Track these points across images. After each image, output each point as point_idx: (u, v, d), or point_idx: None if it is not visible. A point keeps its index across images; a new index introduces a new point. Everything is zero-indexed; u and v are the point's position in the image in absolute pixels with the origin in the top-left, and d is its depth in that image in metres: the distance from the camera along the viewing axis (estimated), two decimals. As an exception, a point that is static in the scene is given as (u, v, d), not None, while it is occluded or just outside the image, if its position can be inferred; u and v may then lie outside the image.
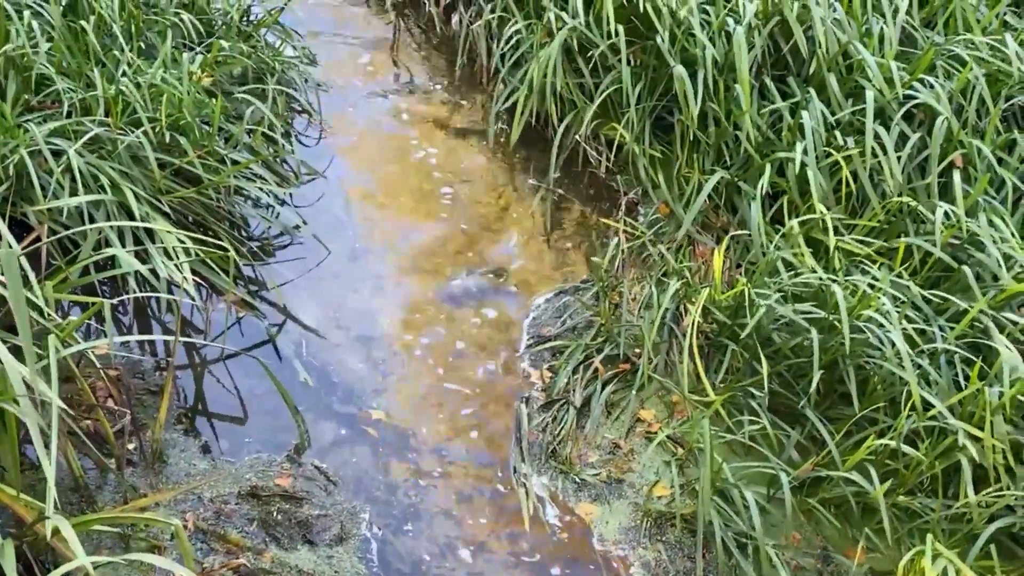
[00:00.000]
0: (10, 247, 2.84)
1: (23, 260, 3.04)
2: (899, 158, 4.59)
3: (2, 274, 2.96)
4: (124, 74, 4.62)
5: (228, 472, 3.76)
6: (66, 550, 2.81)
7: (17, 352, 2.93)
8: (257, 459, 3.84)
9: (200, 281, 4.35)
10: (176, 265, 4.15)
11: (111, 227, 4.10)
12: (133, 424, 3.65)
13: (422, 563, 3.63)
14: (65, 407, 2.95)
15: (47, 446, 2.73)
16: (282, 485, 3.73)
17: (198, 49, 5.18)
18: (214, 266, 4.36)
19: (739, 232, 4.74)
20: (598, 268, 4.83)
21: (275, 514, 3.63)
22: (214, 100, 4.79)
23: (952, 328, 4.05)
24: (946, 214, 4.38)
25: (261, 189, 4.91)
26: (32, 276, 3.25)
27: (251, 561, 3.44)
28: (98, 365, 3.65)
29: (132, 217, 4.19)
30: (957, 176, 4.47)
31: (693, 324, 4.14)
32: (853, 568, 3.72)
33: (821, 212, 4.41)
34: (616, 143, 5.47)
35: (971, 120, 4.81)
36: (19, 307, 2.70)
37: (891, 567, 3.71)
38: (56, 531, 2.69)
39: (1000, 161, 4.74)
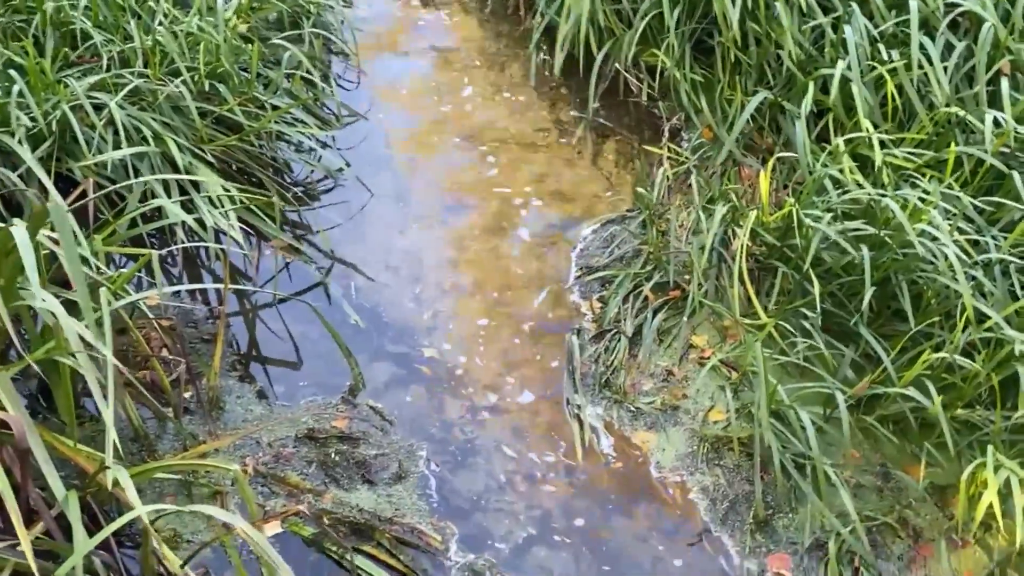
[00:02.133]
0: (57, 204, 2.85)
1: (71, 216, 3.05)
2: (945, 68, 4.51)
3: (53, 230, 2.98)
4: (160, 24, 4.62)
5: (284, 416, 3.79)
6: (129, 499, 2.85)
7: (70, 307, 2.96)
8: (312, 402, 3.86)
9: (247, 228, 4.37)
10: (222, 213, 4.17)
11: (156, 179, 4.12)
12: (188, 372, 3.67)
13: (481, 498, 3.64)
14: (119, 360, 2.97)
15: (105, 398, 2.76)
16: (338, 427, 3.76)
17: (232, -4, 5.17)
18: (260, 213, 4.37)
19: (785, 154, 4.68)
20: (644, 196, 4.80)
21: (333, 455, 3.65)
22: (251, 46, 4.78)
23: (1006, 238, 3.99)
24: (995, 122, 4.30)
25: (302, 133, 4.91)
26: (80, 231, 3.27)
27: (312, 502, 3.47)
28: (151, 316, 3.68)
29: (176, 167, 4.20)
30: (1005, 83, 4.39)
31: (742, 247, 4.10)
32: (914, 484, 3.70)
33: (867, 128, 4.35)
34: (657, 69, 5.41)
35: (1018, 25, 4.71)
36: (73, 262, 2.71)
37: (952, 481, 3.69)
38: (117, 481, 2.72)
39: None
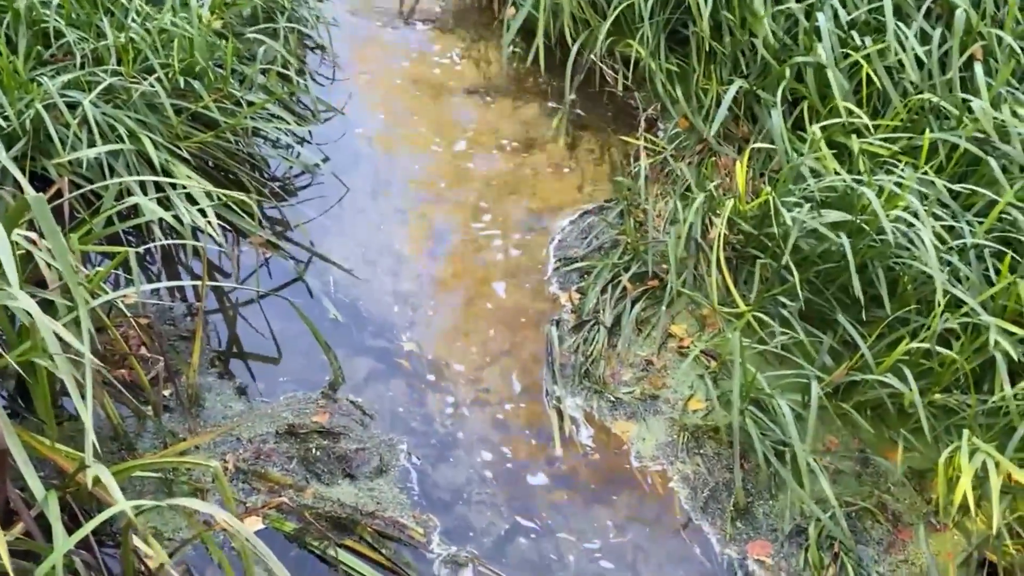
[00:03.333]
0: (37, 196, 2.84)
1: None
2: (919, 55, 4.52)
3: (29, 229, 2.98)
4: (133, 21, 4.60)
5: (265, 412, 3.79)
6: (109, 498, 2.84)
7: (46, 306, 2.95)
8: (293, 398, 3.86)
9: (224, 225, 4.36)
10: (200, 210, 4.16)
11: (134, 180, 4.11)
12: (167, 370, 3.67)
13: (463, 490, 3.65)
14: (96, 359, 2.97)
15: (83, 397, 2.75)
16: (319, 422, 3.76)
17: (206, -8, 5.15)
18: (237, 209, 4.36)
19: (761, 145, 4.69)
20: (621, 187, 4.81)
21: (314, 450, 3.65)
22: (225, 42, 4.77)
23: (980, 223, 4.01)
24: (969, 107, 4.32)
25: (279, 129, 4.90)
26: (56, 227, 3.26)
27: (293, 498, 3.47)
28: (128, 314, 3.67)
29: (152, 165, 4.19)
30: (979, 68, 4.41)
31: (719, 236, 4.12)
32: (892, 468, 3.72)
33: (845, 110, 4.36)
34: (632, 60, 5.42)
35: (989, 11, 4.73)
36: (61, 254, 2.71)
37: (929, 465, 3.72)
38: (97, 480, 2.71)
39: (1022, 50, 4.67)
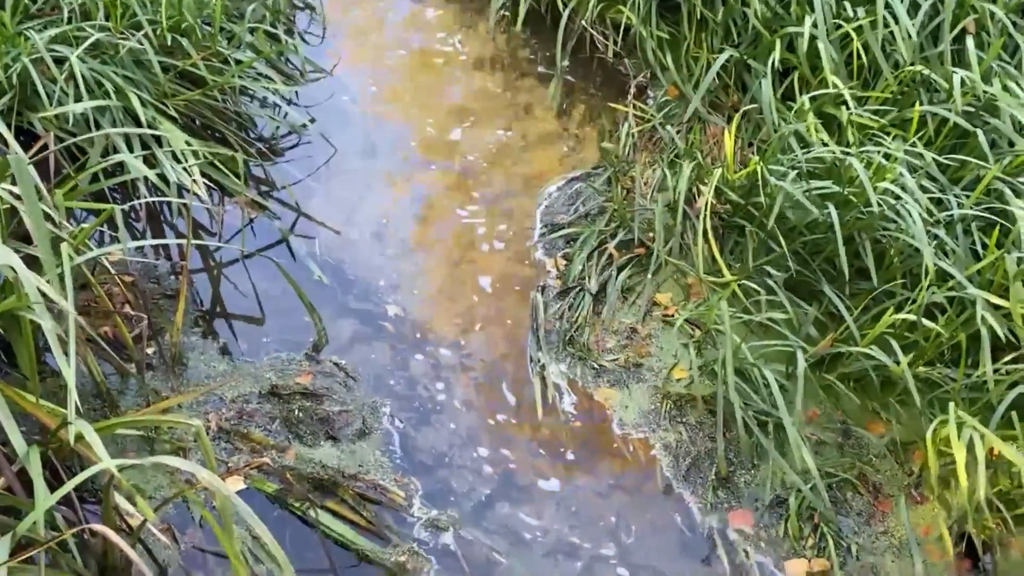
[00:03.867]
0: (18, 156, 2.82)
1: (32, 169, 3.02)
2: (910, 28, 4.50)
3: (14, 183, 2.95)
4: (122, -24, 4.56)
5: (248, 372, 3.78)
6: (91, 455, 2.83)
7: (31, 262, 2.93)
8: (276, 359, 3.85)
9: (210, 184, 4.34)
10: (185, 168, 4.13)
11: (118, 133, 4.08)
12: (151, 328, 3.66)
13: (444, 454, 3.65)
14: (80, 316, 2.95)
15: (66, 353, 2.74)
16: (302, 383, 3.75)
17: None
18: (223, 168, 4.34)
19: (750, 108, 4.68)
20: (609, 153, 4.79)
21: (296, 412, 3.65)
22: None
23: (968, 196, 4.01)
24: (961, 80, 4.31)
25: (267, 88, 4.87)
26: (41, 184, 3.24)
27: (275, 459, 3.46)
28: (113, 271, 3.65)
29: (138, 122, 4.16)
30: (970, 42, 4.40)
31: (706, 205, 4.11)
32: (874, 440, 3.73)
33: (834, 85, 4.35)
34: (623, 26, 5.39)
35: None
36: (35, 215, 2.69)
37: (912, 438, 3.73)
38: (80, 437, 2.70)
39: (1014, 24, 4.66)
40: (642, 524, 3.53)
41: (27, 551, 2.60)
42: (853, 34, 4.49)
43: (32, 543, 2.69)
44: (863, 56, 4.53)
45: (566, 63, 5.52)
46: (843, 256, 3.81)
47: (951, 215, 3.93)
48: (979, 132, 4.10)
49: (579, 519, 3.51)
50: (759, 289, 4.00)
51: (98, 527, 2.57)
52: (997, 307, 3.62)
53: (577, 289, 4.25)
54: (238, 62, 4.71)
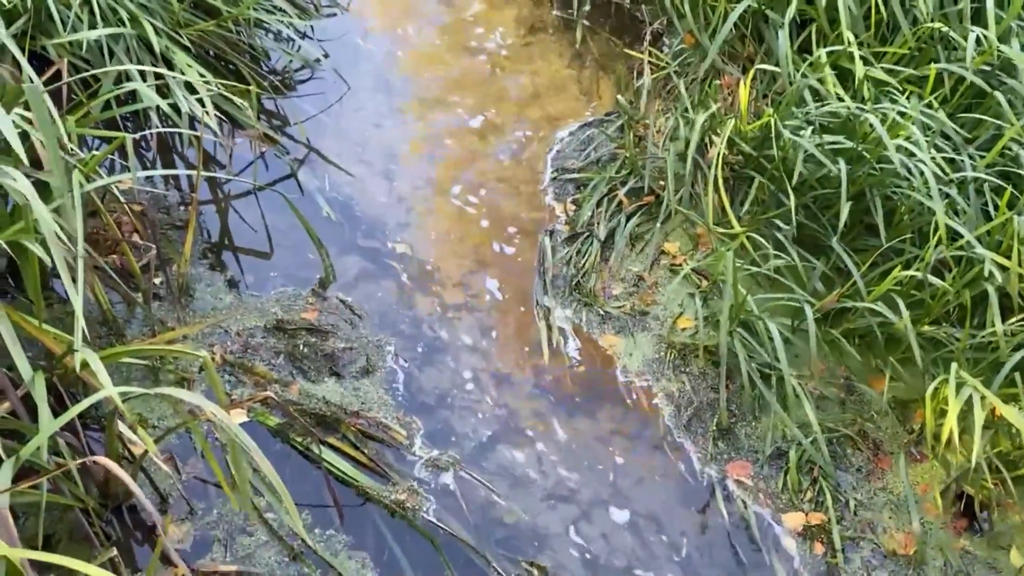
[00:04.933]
0: (31, 81, 2.81)
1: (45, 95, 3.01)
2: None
3: (27, 109, 2.94)
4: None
5: (254, 306, 3.78)
6: (96, 383, 2.84)
7: (40, 187, 2.93)
8: (282, 293, 3.86)
9: (221, 116, 4.32)
10: (198, 99, 4.12)
11: (131, 58, 4.07)
12: (159, 258, 3.65)
13: (447, 395, 3.66)
14: (89, 243, 2.95)
15: (74, 280, 2.74)
16: (308, 319, 3.76)
17: None
18: (236, 100, 4.33)
19: (766, 65, 4.65)
20: (623, 100, 4.77)
21: (301, 347, 3.65)
22: (231, -72, 4.70)
23: (982, 157, 3.99)
24: (977, 39, 4.28)
25: (281, 21, 4.84)
26: (54, 111, 3.23)
27: (278, 393, 3.47)
28: (122, 200, 3.65)
29: (152, 51, 4.14)
30: (990, 0, 4.36)
31: (718, 156, 4.10)
32: (876, 397, 3.74)
33: (849, 40, 4.31)
34: (641, -28, 5.36)
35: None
36: (49, 139, 2.68)
37: (914, 396, 3.73)
38: (85, 364, 2.71)
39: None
40: (641, 471, 3.54)
41: (30, 477, 2.62)
42: (873, -13, 4.46)
43: (35, 467, 2.71)
44: (882, 10, 4.49)
45: (588, 8, 5.48)
46: (844, 210, 3.79)
47: (964, 175, 3.91)
48: (998, 93, 4.07)
49: (579, 464, 3.52)
50: (768, 241, 3.99)
51: (100, 459, 2.58)
52: (1005, 269, 3.61)
53: (585, 235, 4.25)
54: (253, -6, 4.69)
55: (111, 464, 2.55)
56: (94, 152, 3.59)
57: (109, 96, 3.73)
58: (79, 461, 2.67)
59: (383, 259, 4.09)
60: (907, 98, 4.15)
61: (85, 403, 2.60)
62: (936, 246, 3.67)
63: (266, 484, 3.18)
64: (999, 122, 4.04)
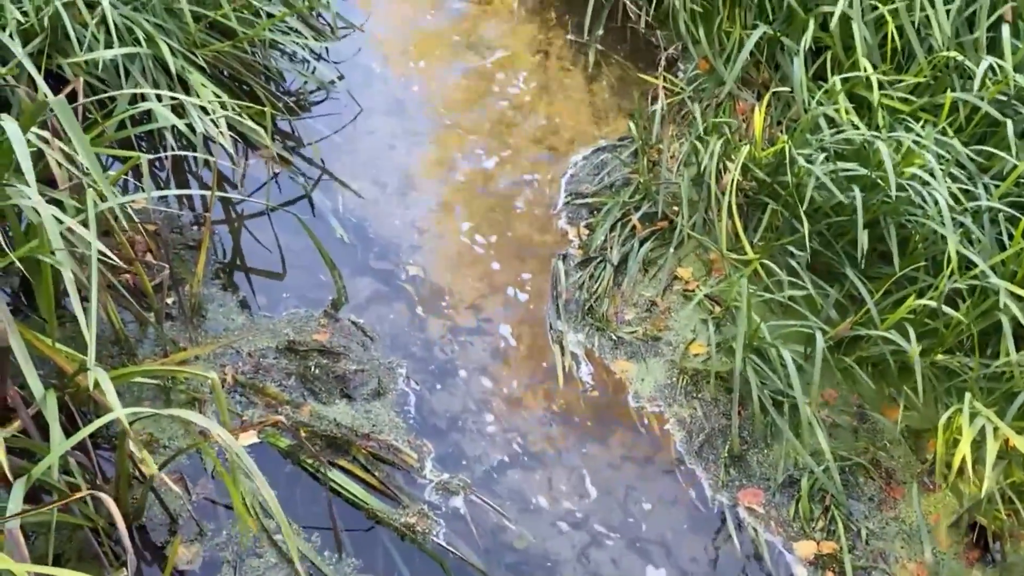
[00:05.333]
0: (59, 99, 2.81)
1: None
2: (947, 12, 4.47)
3: (42, 127, 2.95)
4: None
5: (266, 327, 3.78)
6: (107, 402, 2.84)
7: (53, 207, 2.93)
8: (294, 314, 3.85)
9: (236, 136, 4.33)
10: (212, 120, 4.13)
11: (146, 78, 4.08)
12: (172, 278, 3.66)
13: (458, 418, 3.66)
14: (105, 258, 2.95)
15: (86, 299, 2.74)
16: (319, 340, 3.75)
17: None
18: (250, 121, 4.34)
19: (781, 89, 4.65)
20: (637, 125, 4.77)
21: (313, 368, 3.65)
22: (248, -49, 4.71)
23: (997, 186, 3.98)
24: (992, 69, 4.28)
25: (296, 43, 4.85)
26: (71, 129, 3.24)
27: (289, 415, 3.47)
28: (136, 219, 3.65)
29: (168, 71, 4.16)
30: (1006, 30, 4.36)
31: (732, 182, 4.09)
32: (889, 426, 3.73)
33: (865, 68, 4.31)
34: (656, -3, 5.37)
35: (1022, -27, 4.68)
36: (86, 150, 2.68)
37: (927, 425, 3.72)
38: (98, 383, 2.71)
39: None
40: (652, 497, 3.53)
41: (40, 496, 2.62)
42: (888, 16, 4.45)
43: (46, 487, 2.71)
44: (896, 39, 4.49)
45: (600, 32, 5.49)
46: (861, 238, 3.78)
47: (978, 204, 3.90)
48: (1008, 122, 4.06)
49: (590, 489, 3.51)
50: (781, 268, 3.99)
51: (102, 495, 2.57)
52: (1020, 298, 3.60)
53: (598, 259, 4.24)
54: (269, 15, 4.70)
55: (110, 504, 2.53)
56: (109, 172, 3.60)
57: (124, 116, 3.74)
58: (82, 493, 2.67)
59: (395, 281, 4.09)
60: (922, 126, 4.15)
61: (95, 424, 2.59)
62: (950, 275, 3.66)
63: (275, 506, 3.18)
64: (1008, 156, 4.03)
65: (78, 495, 2.57)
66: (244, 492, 2.84)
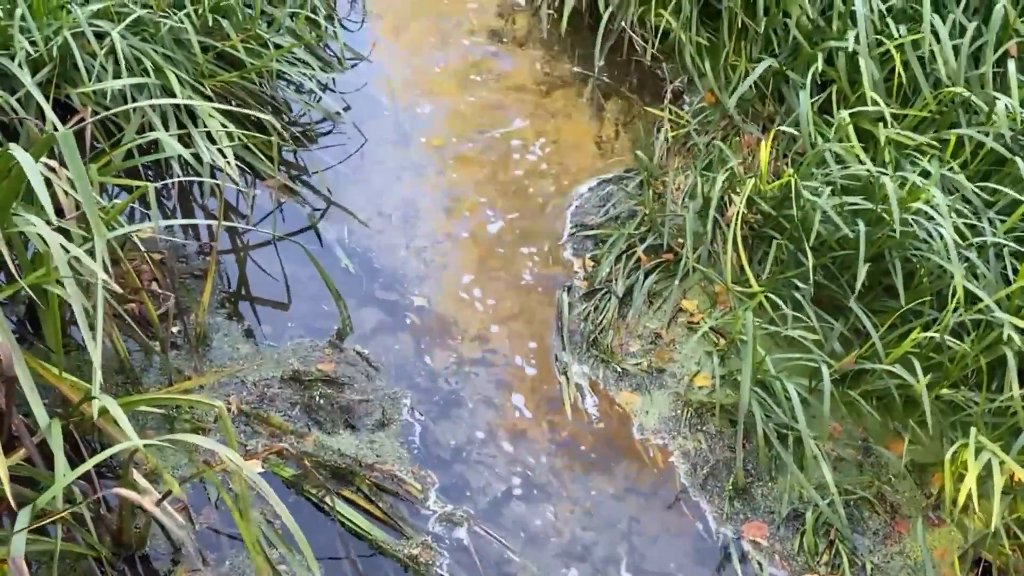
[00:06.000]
0: (55, 129, 2.83)
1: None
2: (954, 48, 4.48)
3: (50, 157, 2.96)
4: (166, -45, 4.57)
5: (271, 356, 3.78)
6: (113, 431, 2.84)
7: (61, 235, 2.94)
8: (299, 344, 3.86)
9: (243, 166, 4.35)
10: (219, 149, 4.14)
11: (154, 108, 4.09)
12: (177, 307, 3.67)
13: (463, 449, 3.65)
14: (111, 287, 2.96)
15: (92, 327, 2.75)
16: (324, 370, 3.75)
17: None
18: (257, 151, 4.35)
19: (786, 125, 4.67)
20: (642, 157, 4.78)
21: (317, 398, 3.65)
22: (256, -18, 4.74)
23: (1003, 222, 3.99)
24: (1000, 105, 4.30)
25: (304, 74, 4.88)
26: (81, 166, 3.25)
27: (294, 444, 3.47)
28: (142, 248, 3.66)
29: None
30: (1012, 65, 4.37)
31: (737, 214, 4.10)
32: (894, 460, 3.72)
33: (872, 102, 4.33)
34: (662, 30, 5.38)
35: (1028, 8, 4.70)
36: (84, 190, 2.69)
37: (932, 459, 3.71)
38: (103, 411, 2.71)
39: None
40: (656, 530, 3.52)
41: (44, 521, 2.62)
42: (894, 51, 4.47)
43: (49, 515, 2.71)
44: (903, 74, 4.51)
45: (601, 61, 5.51)
46: (861, 272, 3.79)
47: (984, 240, 3.91)
48: (1018, 160, 4.07)
49: (594, 521, 3.51)
50: (786, 301, 3.99)
51: (123, 491, 2.58)
52: (1024, 332, 3.60)
53: (603, 291, 4.25)
54: (277, 46, 4.72)
55: (131, 495, 2.53)
56: (115, 200, 3.61)
57: (131, 145, 3.76)
58: (92, 501, 2.66)
59: (401, 311, 4.09)
60: (928, 161, 4.15)
61: (107, 453, 2.60)
62: (955, 310, 3.66)
63: (278, 536, 3.17)
64: (1016, 196, 4.03)
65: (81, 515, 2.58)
66: (251, 523, 2.83)
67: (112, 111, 3.67)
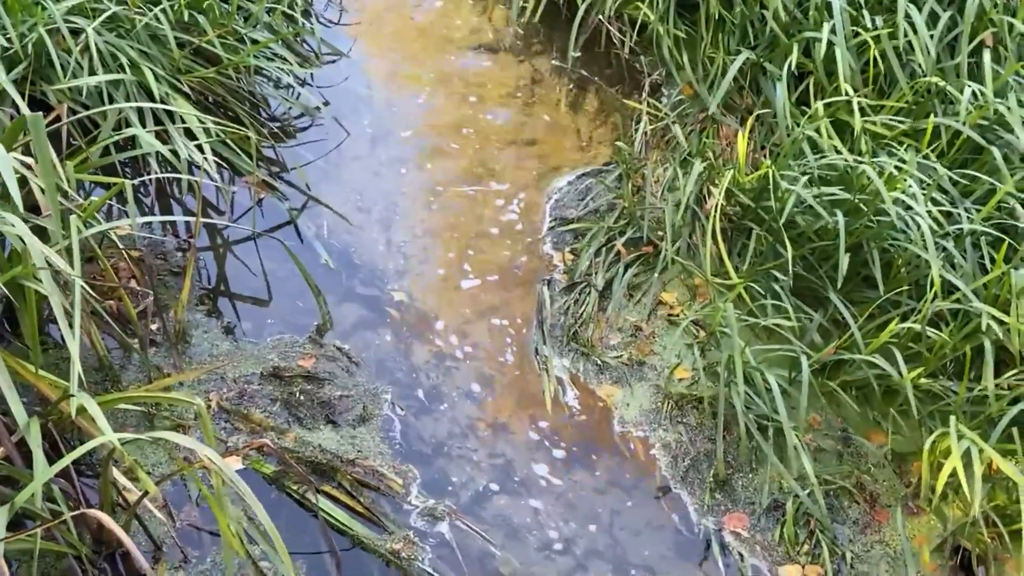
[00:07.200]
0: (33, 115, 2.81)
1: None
2: (930, 37, 4.49)
3: (25, 154, 2.95)
4: (141, -50, 4.56)
5: (250, 353, 3.78)
6: (91, 428, 2.84)
7: (38, 232, 2.93)
8: (279, 340, 3.85)
9: (221, 162, 4.34)
10: (197, 146, 4.13)
11: (131, 107, 4.08)
12: (156, 304, 3.65)
13: (444, 443, 3.65)
14: (87, 286, 2.95)
15: (71, 325, 2.74)
16: (304, 366, 3.75)
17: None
18: (235, 147, 4.34)
19: (764, 111, 4.67)
20: (621, 150, 4.78)
21: (297, 394, 3.65)
22: (232, -23, 4.73)
23: (979, 210, 4.00)
24: (974, 94, 4.31)
25: (281, 69, 4.86)
26: (53, 155, 3.24)
27: (274, 440, 3.46)
28: (120, 246, 3.65)
29: (152, 97, 4.16)
30: (987, 55, 4.39)
31: (716, 207, 4.10)
32: (873, 450, 3.73)
33: (847, 93, 4.34)
34: (639, 23, 5.39)
35: (1002, -2, 4.71)
36: (49, 184, 2.68)
37: (911, 449, 3.73)
38: (81, 409, 2.70)
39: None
40: (638, 522, 3.52)
41: (23, 524, 2.61)
42: (871, 42, 4.47)
43: (29, 514, 2.70)
44: (879, 64, 4.52)
45: (578, 54, 5.50)
46: (843, 261, 3.80)
47: (960, 228, 3.92)
48: (994, 149, 4.08)
49: (575, 514, 3.51)
50: (765, 293, 4.00)
51: (94, 512, 2.57)
52: (1002, 322, 3.61)
53: (583, 284, 4.25)
54: (254, 42, 4.71)
55: (104, 518, 2.53)
56: (92, 197, 3.60)
57: (108, 142, 3.74)
58: (74, 512, 2.66)
59: (381, 307, 4.09)
60: (904, 150, 4.17)
61: (82, 449, 2.59)
62: (933, 299, 3.67)
63: (260, 532, 3.16)
64: (992, 180, 4.05)
65: (61, 518, 2.57)
66: (230, 517, 2.83)
67: (91, 111, 3.66)
